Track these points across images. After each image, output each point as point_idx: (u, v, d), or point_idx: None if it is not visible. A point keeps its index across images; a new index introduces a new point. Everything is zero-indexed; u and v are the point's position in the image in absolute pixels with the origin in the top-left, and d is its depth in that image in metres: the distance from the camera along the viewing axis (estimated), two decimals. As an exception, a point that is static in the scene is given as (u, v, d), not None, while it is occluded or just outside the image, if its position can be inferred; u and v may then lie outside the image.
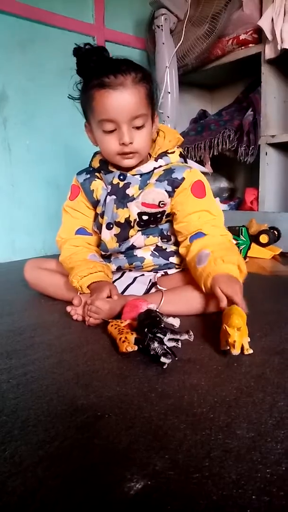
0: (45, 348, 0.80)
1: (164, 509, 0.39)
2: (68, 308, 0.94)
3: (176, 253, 1.05)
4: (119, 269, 1.06)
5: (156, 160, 0.99)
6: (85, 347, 0.79)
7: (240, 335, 0.70)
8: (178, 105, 1.90)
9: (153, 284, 1.01)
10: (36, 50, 1.80)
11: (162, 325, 0.74)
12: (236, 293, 0.80)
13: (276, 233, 1.72)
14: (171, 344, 0.73)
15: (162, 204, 0.97)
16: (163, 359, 0.67)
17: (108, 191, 1.00)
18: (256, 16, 1.78)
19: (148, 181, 0.98)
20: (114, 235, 1.01)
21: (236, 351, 0.69)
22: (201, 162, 2.10)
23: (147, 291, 1.01)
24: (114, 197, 1.00)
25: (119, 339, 0.76)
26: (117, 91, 0.85)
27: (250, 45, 1.84)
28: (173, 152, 1.01)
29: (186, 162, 1.04)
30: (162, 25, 1.82)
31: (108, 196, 1.00)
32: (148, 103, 0.91)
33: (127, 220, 0.99)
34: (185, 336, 0.76)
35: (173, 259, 1.05)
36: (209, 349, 0.76)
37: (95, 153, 1.06)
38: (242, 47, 1.87)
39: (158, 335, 0.71)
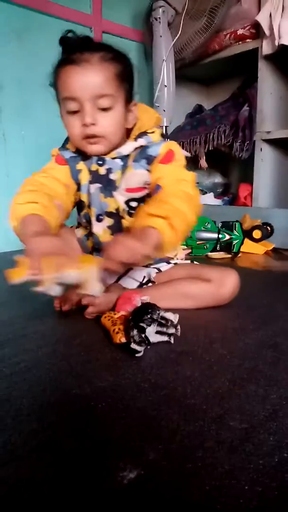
0: (38, 338, 0.80)
1: (157, 498, 0.39)
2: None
3: None
4: None
5: (135, 139, 0.91)
6: (79, 338, 0.79)
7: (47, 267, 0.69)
8: (174, 99, 1.89)
9: (148, 282, 0.99)
10: (32, 39, 1.77)
11: (149, 316, 0.72)
12: (121, 253, 0.70)
13: (269, 228, 1.73)
14: (160, 338, 0.72)
15: (147, 184, 0.91)
16: (133, 345, 0.67)
17: (90, 179, 0.92)
18: (254, 11, 1.77)
19: (126, 164, 0.91)
20: (107, 227, 0.95)
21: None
22: (196, 157, 2.10)
23: (140, 286, 0.99)
24: (98, 185, 0.92)
25: (113, 330, 0.75)
26: (81, 67, 0.79)
27: (248, 40, 1.83)
28: (153, 132, 0.92)
29: None
30: (160, 18, 1.80)
31: (91, 185, 0.93)
32: (119, 85, 0.82)
33: (117, 211, 0.93)
34: (172, 330, 0.75)
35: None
36: (202, 341, 0.76)
37: (68, 138, 0.98)
38: (240, 42, 1.86)
39: (141, 324, 0.70)
